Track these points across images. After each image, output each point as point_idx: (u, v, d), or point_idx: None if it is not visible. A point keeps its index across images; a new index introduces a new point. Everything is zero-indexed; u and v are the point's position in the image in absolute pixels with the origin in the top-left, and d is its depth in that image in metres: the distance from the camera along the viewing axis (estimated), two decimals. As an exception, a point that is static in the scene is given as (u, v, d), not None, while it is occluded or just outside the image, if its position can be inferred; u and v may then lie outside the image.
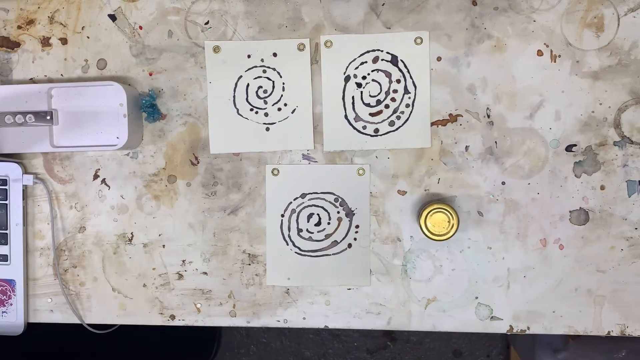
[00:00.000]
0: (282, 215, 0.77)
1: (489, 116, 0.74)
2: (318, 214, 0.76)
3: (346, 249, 0.76)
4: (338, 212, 0.76)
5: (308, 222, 0.76)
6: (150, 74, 0.78)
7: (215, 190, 0.77)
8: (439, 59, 0.74)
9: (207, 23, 0.77)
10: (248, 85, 0.76)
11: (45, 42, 0.79)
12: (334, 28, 0.75)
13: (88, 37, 0.78)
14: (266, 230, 0.77)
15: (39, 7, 0.79)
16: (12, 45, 0.79)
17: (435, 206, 0.69)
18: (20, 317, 0.79)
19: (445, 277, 0.75)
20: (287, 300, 0.77)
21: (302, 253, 0.77)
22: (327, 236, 0.76)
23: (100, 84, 0.74)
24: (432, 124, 0.75)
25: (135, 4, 0.77)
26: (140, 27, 0.77)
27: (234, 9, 0.76)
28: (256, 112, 0.76)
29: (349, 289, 0.77)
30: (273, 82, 0.76)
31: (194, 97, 0.77)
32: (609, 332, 0.74)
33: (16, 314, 0.79)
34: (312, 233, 0.76)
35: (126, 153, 0.78)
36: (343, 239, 0.76)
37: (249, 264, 0.78)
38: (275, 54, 0.76)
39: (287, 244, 0.77)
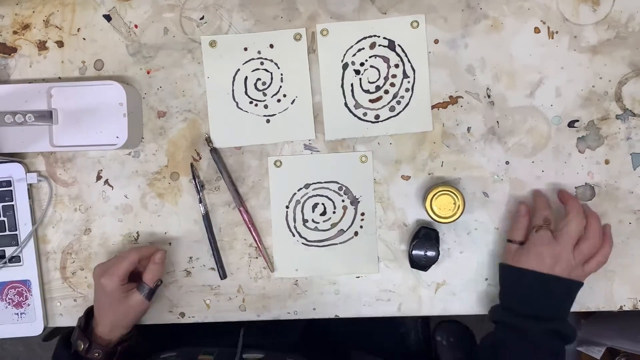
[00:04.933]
0: (287, 207, 0.76)
1: (489, 96, 0.74)
2: (323, 204, 0.76)
3: (353, 237, 0.76)
4: (343, 201, 0.76)
5: (313, 212, 0.76)
6: (148, 72, 0.77)
7: (219, 185, 0.77)
8: (436, 41, 0.74)
9: (202, 18, 0.76)
10: (246, 78, 0.76)
11: (42, 45, 0.79)
12: (329, 16, 0.75)
13: (84, 39, 0.78)
14: (271, 222, 0.77)
15: (33, 12, 0.79)
16: (9, 50, 0.79)
17: (440, 189, 0.69)
18: (39, 317, 0.79)
19: (454, 260, 0.75)
20: (296, 292, 0.77)
21: (309, 244, 0.76)
22: (333, 225, 0.76)
23: (100, 83, 0.74)
24: (433, 106, 0.74)
25: (130, 3, 0.77)
26: (136, 26, 0.77)
27: (228, 2, 0.76)
28: (256, 105, 0.76)
29: (358, 277, 0.76)
30: (271, 73, 0.76)
31: (193, 93, 0.77)
32: (621, 306, 0.74)
33: (35, 314, 0.79)
34: (318, 223, 0.76)
35: (128, 152, 0.78)
36: (349, 227, 0.76)
37: (256, 257, 0.77)
38: (272, 45, 0.76)
39: (294, 235, 0.76)
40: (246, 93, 0.76)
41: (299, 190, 0.76)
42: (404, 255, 0.76)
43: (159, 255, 0.73)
